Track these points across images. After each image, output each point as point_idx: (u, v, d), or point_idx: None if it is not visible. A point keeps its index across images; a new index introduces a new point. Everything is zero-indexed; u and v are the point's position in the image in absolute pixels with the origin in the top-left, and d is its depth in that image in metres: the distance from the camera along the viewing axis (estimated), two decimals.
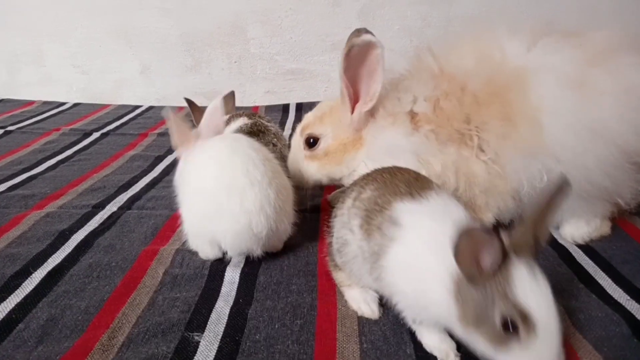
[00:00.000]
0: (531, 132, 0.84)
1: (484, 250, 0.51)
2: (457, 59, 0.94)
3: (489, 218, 0.92)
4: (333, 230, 0.76)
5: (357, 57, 0.89)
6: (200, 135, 0.91)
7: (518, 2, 2.01)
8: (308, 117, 1.05)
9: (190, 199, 0.87)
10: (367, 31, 0.89)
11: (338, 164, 0.99)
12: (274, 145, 1.14)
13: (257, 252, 0.84)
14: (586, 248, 0.94)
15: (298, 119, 1.67)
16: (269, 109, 2.07)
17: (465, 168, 0.89)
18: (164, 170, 1.38)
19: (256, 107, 2.09)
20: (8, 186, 1.24)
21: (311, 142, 1.01)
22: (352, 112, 0.95)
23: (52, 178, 1.32)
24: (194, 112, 1.27)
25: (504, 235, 0.53)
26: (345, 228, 0.71)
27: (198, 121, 1.30)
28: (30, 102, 2.19)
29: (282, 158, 1.09)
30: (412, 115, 0.92)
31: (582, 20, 0.92)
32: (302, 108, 1.97)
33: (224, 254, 0.88)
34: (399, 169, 0.74)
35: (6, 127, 1.78)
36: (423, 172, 0.88)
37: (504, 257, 0.52)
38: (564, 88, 0.82)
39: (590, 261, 0.89)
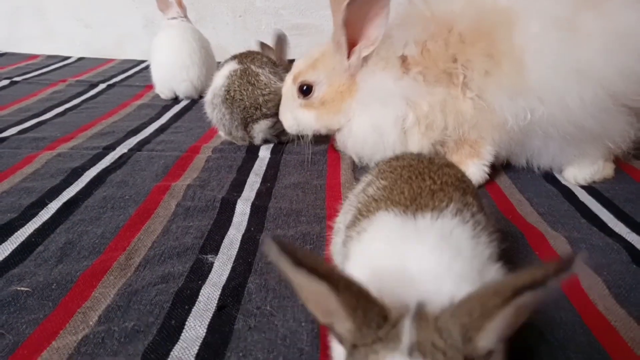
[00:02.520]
0: (514, 70, 0.84)
1: None
2: (447, 2, 0.93)
3: (488, 150, 0.94)
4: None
5: (361, 5, 0.87)
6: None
7: None
8: (298, 64, 1.02)
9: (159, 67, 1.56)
10: None
11: (336, 113, 0.98)
12: (263, 102, 1.11)
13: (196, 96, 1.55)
14: (589, 189, 0.95)
15: None
16: None
17: (453, 106, 0.90)
18: (172, 117, 1.39)
19: None
20: (18, 130, 1.26)
21: (305, 90, 0.98)
22: (349, 57, 0.94)
23: (61, 123, 1.33)
24: (265, 49, 1.26)
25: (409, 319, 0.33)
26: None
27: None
28: (34, 56, 2.18)
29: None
30: (403, 59, 0.92)
31: None
32: None
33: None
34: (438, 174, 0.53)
35: (12, 77, 1.77)
36: (411, 115, 0.90)
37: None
38: (550, 29, 0.82)
39: (593, 199, 0.91)
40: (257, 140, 1.17)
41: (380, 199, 0.50)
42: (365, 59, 0.94)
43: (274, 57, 1.23)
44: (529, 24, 0.84)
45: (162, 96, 1.57)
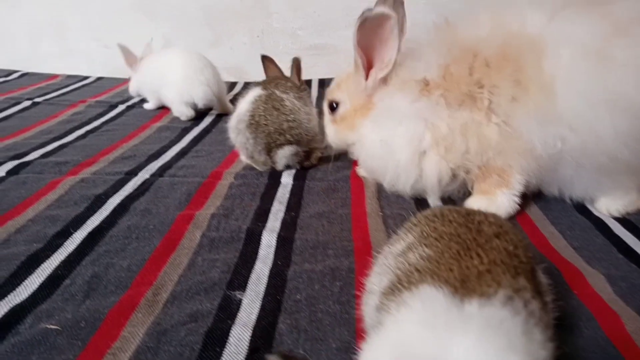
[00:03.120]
0: (544, 98, 0.83)
1: None
2: (473, 28, 0.94)
3: (517, 179, 0.92)
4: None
5: (370, 28, 0.91)
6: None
7: None
8: (332, 83, 1.11)
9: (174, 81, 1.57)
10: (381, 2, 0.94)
11: (351, 129, 1.04)
12: (287, 128, 1.10)
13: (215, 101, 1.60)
14: (623, 221, 0.92)
15: (321, 95, 1.66)
16: None
17: (475, 130, 0.89)
18: (192, 140, 1.39)
19: None
20: (41, 154, 1.26)
21: (333, 107, 1.07)
22: (367, 78, 0.98)
23: (82, 146, 1.33)
24: (267, 68, 1.27)
25: None
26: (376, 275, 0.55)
27: (268, 76, 1.27)
28: (54, 76, 2.21)
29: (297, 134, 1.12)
30: (425, 82, 0.92)
31: None
32: (325, 84, 1.95)
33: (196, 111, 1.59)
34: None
35: (33, 98, 1.80)
36: (428, 136, 0.91)
37: None
38: (581, 58, 0.81)
39: (628, 233, 0.88)
40: (280, 165, 1.16)
41: (424, 270, 0.45)
42: (385, 80, 0.97)
43: (294, 79, 1.23)
44: (559, 52, 0.83)
45: (182, 117, 1.58)
